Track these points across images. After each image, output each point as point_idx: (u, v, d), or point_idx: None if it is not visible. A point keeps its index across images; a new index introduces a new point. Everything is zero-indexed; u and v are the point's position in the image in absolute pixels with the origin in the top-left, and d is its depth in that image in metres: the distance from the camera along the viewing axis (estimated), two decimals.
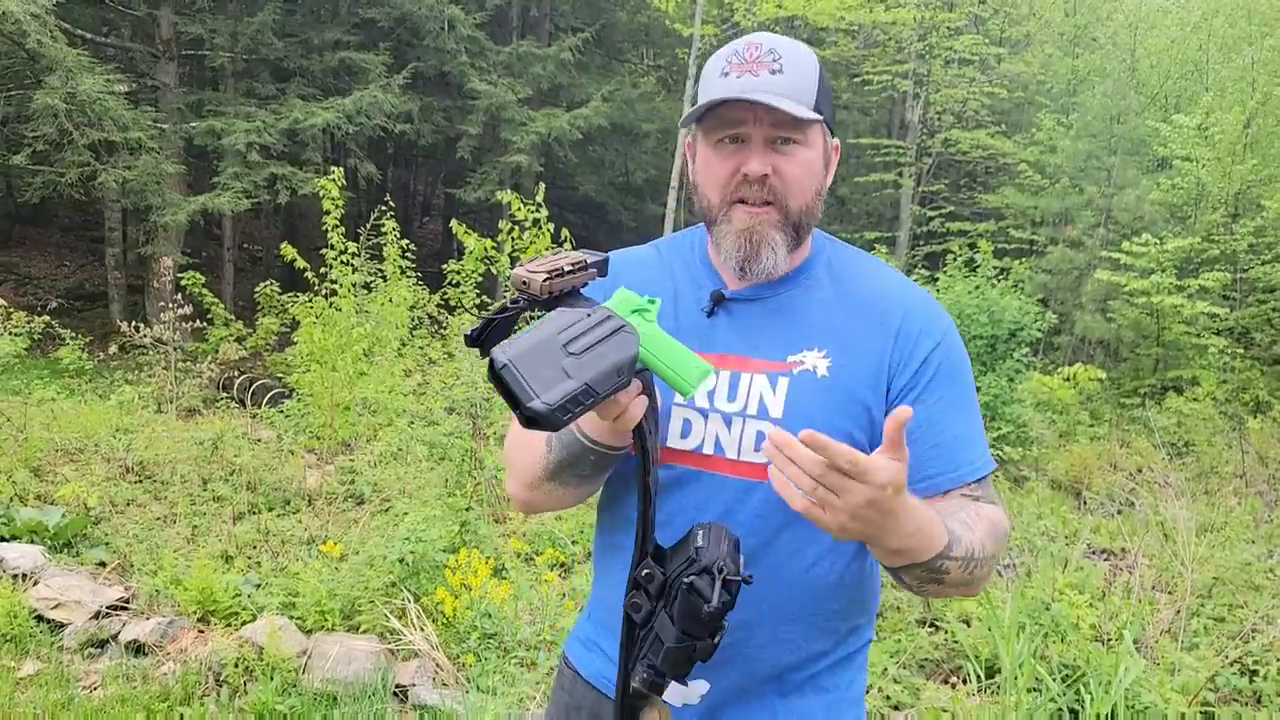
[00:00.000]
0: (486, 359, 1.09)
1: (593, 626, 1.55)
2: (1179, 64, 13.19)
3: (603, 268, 1.24)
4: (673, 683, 1.18)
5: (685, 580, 1.14)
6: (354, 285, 7.89)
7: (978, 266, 9.31)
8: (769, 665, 1.40)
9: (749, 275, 1.39)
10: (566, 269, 1.17)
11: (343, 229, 8.01)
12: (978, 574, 1.27)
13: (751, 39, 1.34)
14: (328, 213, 7.93)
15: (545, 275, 1.15)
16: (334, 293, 7.77)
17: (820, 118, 1.32)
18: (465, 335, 1.19)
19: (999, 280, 9.00)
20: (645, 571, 1.20)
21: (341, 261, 7.86)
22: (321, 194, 8.02)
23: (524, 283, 1.16)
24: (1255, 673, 3.99)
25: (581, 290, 1.20)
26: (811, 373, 1.36)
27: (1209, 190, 10.35)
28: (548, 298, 1.16)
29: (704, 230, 1.49)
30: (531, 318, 1.22)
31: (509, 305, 1.19)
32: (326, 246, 7.97)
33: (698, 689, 1.22)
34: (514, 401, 1.05)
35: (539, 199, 7.10)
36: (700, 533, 1.19)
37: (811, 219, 1.40)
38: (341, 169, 8.50)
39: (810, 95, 1.32)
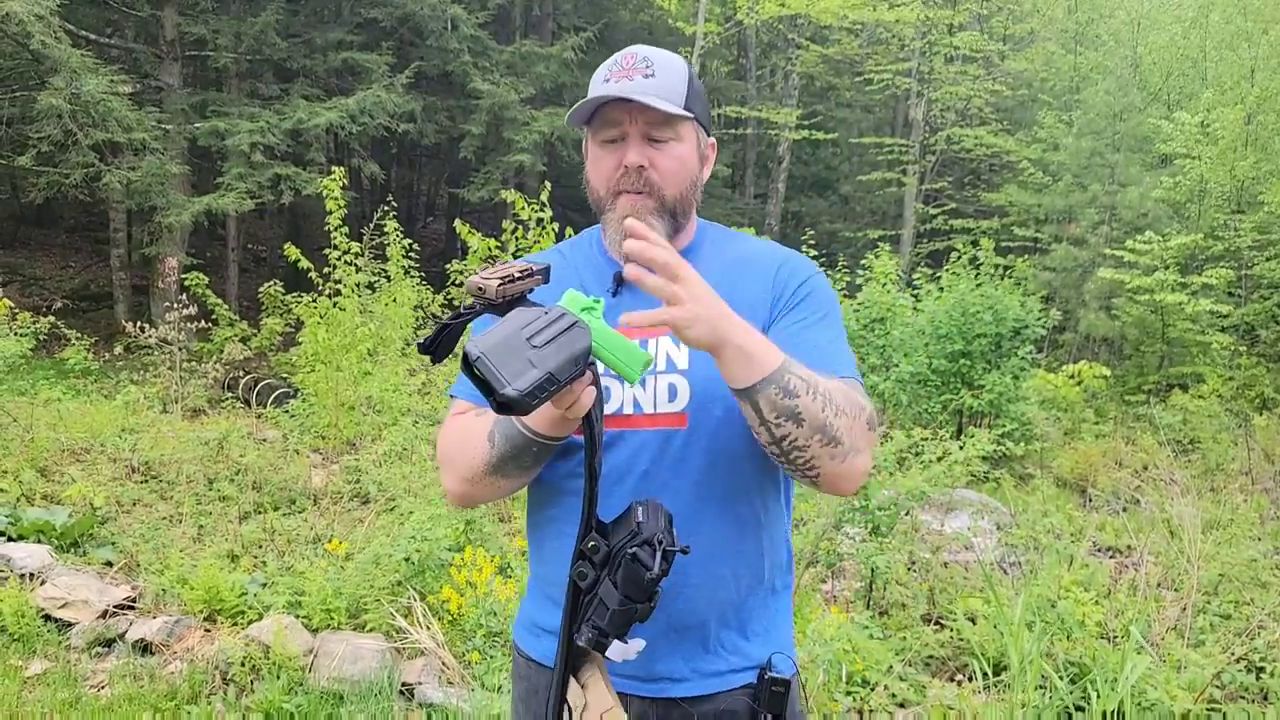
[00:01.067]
0: (436, 366, 1.19)
1: (535, 607, 1.66)
2: (1179, 61, 13.15)
3: (546, 275, 1.37)
4: (615, 641, 1.32)
5: (629, 551, 1.28)
6: (358, 285, 7.91)
7: (980, 264, 9.29)
8: (705, 603, 1.52)
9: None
10: (517, 275, 1.30)
11: (346, 229, 8.03)
12: (833, 421, 1.35)
13: (629, 50, 1.54)
14: (330, 213, 7.95)
15: (499, 281, 1.27)
16: (338, 293, 7.78)
17: (690, 115, 1.51)
18: (418, 344, 1.32)
19: (1001, 278, 8.97)
20: (591, 544, 1.32)
21: (345, 262, 7.88)
22: (325, 194, 8.04)
23: (479, 289, 1.28)
24: (1261, 669, 3.99)
25: (529, 295, 1.33)
26: None
27: (1211, 187, 10.33)
28: (501, 301, 1.28)
29: (599, 228, 1.67)
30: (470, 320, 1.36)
31: (461, 312, 1.32)
32: (330, 246, 7.98)
33: (636, 646, 1.34)
34: (487, 389, 1.17)
35: (543, 198, 7.10)
36: (640, 509, 1.34)
37: (688, 206, 1.58)
38: (345, 169, 8.50)
39: (680, 96, 1.50)
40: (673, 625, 1.50)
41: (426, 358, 1.33)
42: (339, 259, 7.84)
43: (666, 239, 1.49)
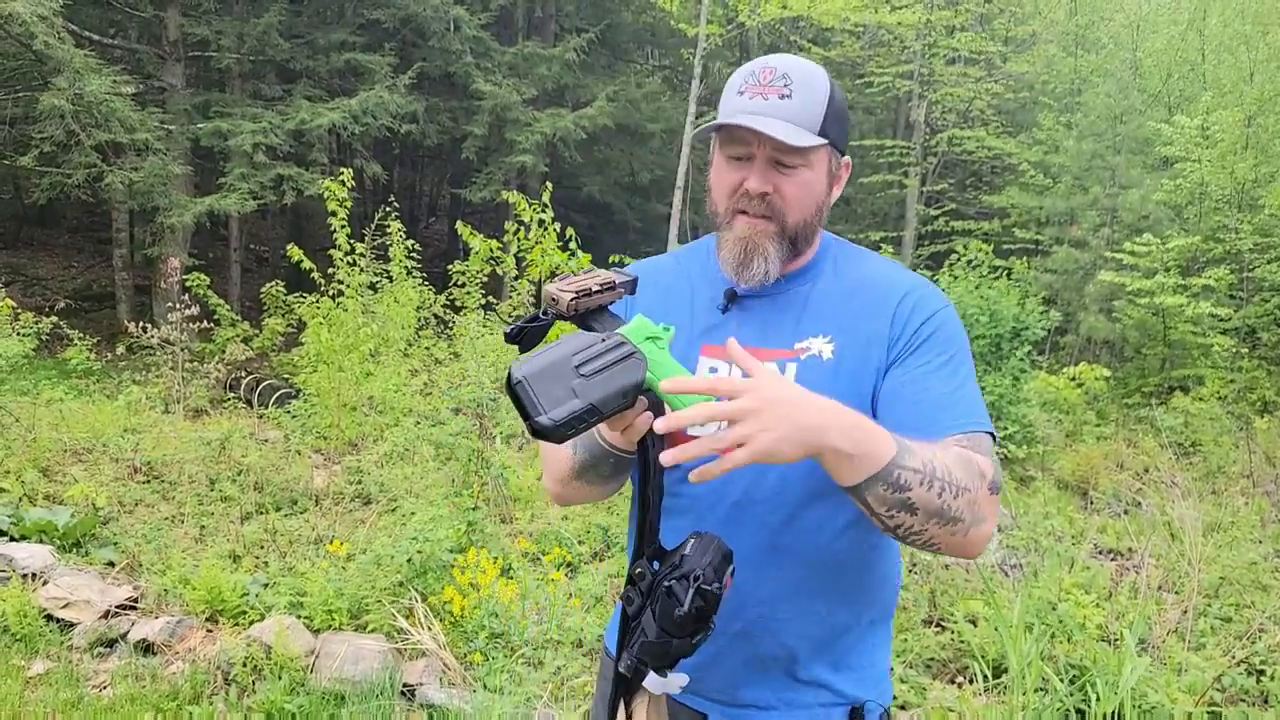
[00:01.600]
0: (523, 354, 1.20)
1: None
2: (1179, 64, 13.13)
3: (631, 287, 1.35)
4: (651, 673, 1.29)
5: (666, 584, 1.25)
6: (360, 285, 7.92)
7: (977, 266, 9.27)
8: (795, 638, 1.47)
9: (740, 280, 1.49)
10: (594, 289, 1.28)
11: (348, 229, 8.04)
12: (950, 503, 1.27)
13: (768, 62, 1.44)
14: (333, 214, 7.96)
15: (573, 295, 1.26)
16: (340, 293, 7.79)
17: (822, 142, 1.41)
18: (505, 332, 1.30)
19: (997, 279, 8.95)
20: (638, 570, 1.30)
21: (348, 262, 7.89)
22: (326, 195, 8.05)
23: (553, 300, 1.26)
24: (1262, 673, 3.99)
25: (609, 308, 1.31)
26: (817, 357, 1.45)
27: (1211, 190, 10.33)
28: (574, 315, 1.27)
29: (715, 236, 1.59)
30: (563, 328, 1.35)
31: (541, 315, 1.29)
32: (333, 247, 8.00)
33: (677, 681, 1.31)
34: (524, 414, 1.15)
35: (545, 199, 7.10)
36: (692, 541, 1.29)
37: (810, 233, 1.49)
38: (349, 169, 8.52)
39: (817, 119, 1.41)
40: (759, 655, 1.47)
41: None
42: (342, 259, 7.86)
43: (778, 264, 1.47)
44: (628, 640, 1.30)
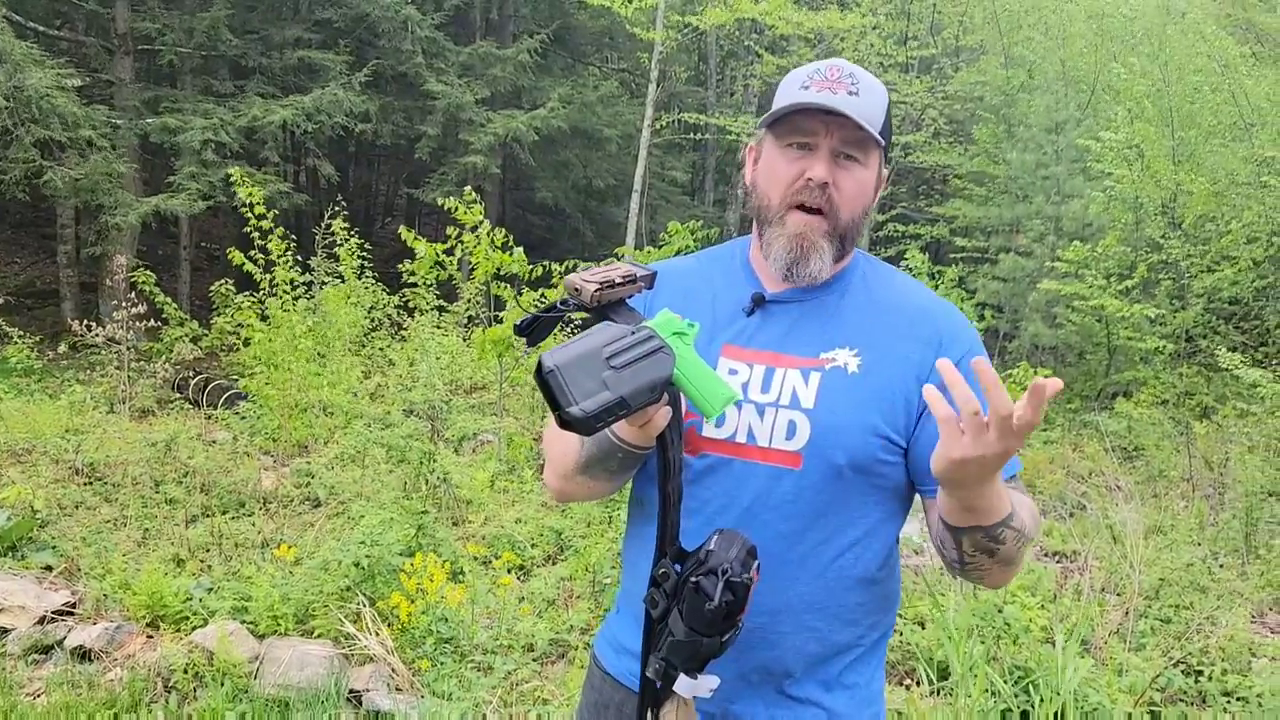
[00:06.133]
0: (532, 356, 1.20)
1: (619, 623, 1.62)
2: (1102, 75, 13.22)
3: (650, 281, 1.35)
4: (682, 675, 1.27)
5: (693, 580, 1.24)
6: (293, 284, 7.92)
7: (917, 274, 9.35)
8: (792, 653, 1.46)
9: (794, 278, 1.47)
10: (618, 281, 1.28)
11: (281, 228, 8.08)
12: (1020, 554, 1.35)
13: (834, 61, 1.46)
14: (263, 217, 7.98)
15: (597, 286, 1.26)
16: (272, 293, 7.80)
17: (883, 143, 1.44)
18: (515, 325, 1.31)
19: (938, 286, 9.03)
20: (662, 570, 1.29)
21: (285, 265, 7.88)
22: (247, 199, 8.06)
23: (576, 290, 1.26)
24: (1200, 673, 4.08)
25: (627, 301, 1.31)
26: (842, 369, 1.45)
27: (1144, 201, 10.54)
28: (595, 306, 1.27)
29: (746, 240, 1.60)
30: (575, 320, 1.36)
31: (558, 305, 1.30)
32: (260, 250, 8.03)
33: (708, 683, 1.29)
34: (554, 404, 1.14)
35: (468, 197, 7.11)
36: (715, 537, 1.29)
37: (856, 235, 1.49)
38: (299, 169, 8.48)
39: (878, 122, 1.42)
40: (756, 669, 1.45)
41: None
42: (280, 257, 7.87)
43: (831, 263, 1.47)
44: (653, 644, 1.29)
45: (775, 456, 1.42)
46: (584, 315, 1.31)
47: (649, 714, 1.33)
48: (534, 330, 1.30)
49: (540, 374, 1.14)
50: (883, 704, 1.57)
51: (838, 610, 1.46)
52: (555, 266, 7.25)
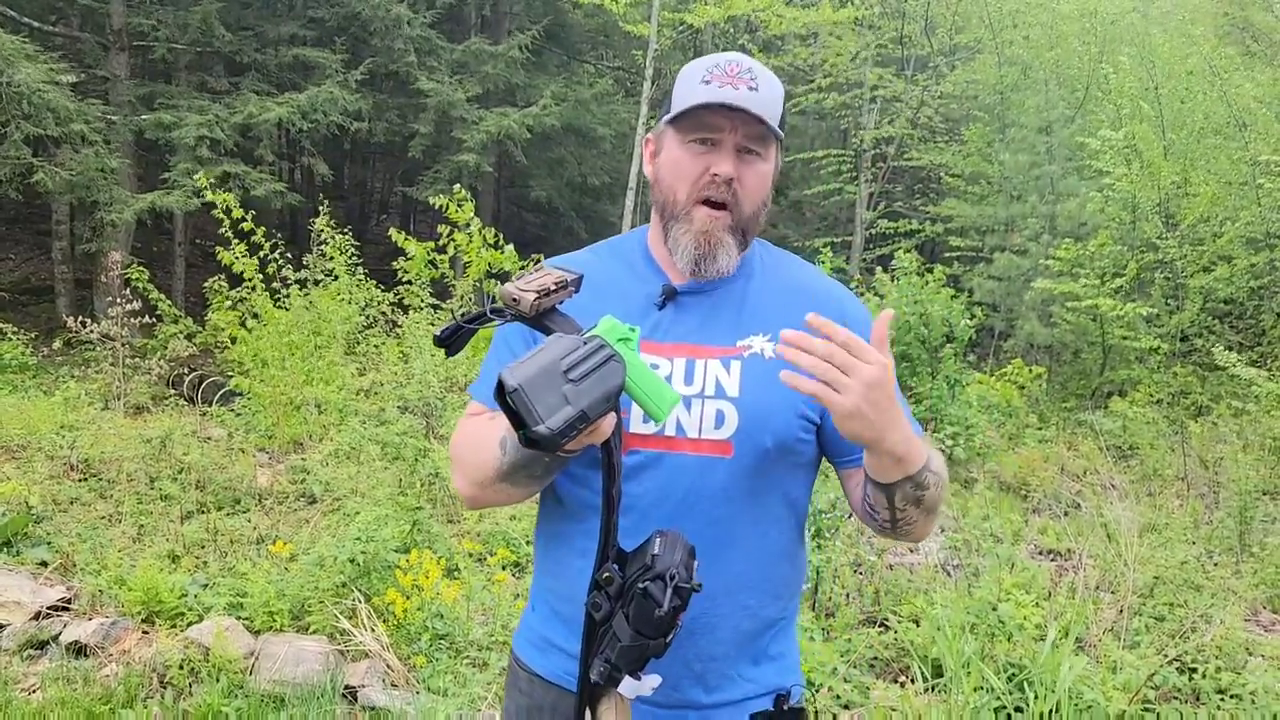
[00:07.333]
0: (449, 358, 1.19)
1: (540, 621, 1.59)
2: (1094, 74, 13.21)
3: (579, 285, 1.34)
4: (626, 677, 1.27)
5: (640, 585, 1.23)
6: (292, 282, 7.92)
7: (907, 273, 9.30)
8: (730, 632, 1.49)
9: (702, 273, 1.49)
10: (552, 288, 1.28)
11: (264, 229, 8.13)
12: (940, 500, 1.41)
13: (730, 56, 1.47)
14: (241, 220, 8.02)
15: (535, 294, 1.25)
16: (258, 290, 7.83)
17: (780, 136, 1.47)
18: (435, 335, 1.30)
19: (926, 285, 9.01)
20: (605, 575, 1.28)
21: (276, 265, 7.91)
22: (222, 206, 8.09)
23: (514, 300, 1.26)
24: (1194, 670, 4.09)
25: (558, 307, 1.31)
26: (760, 355, 1.48)
27: (1140, 201, 10.54)
28: (534, 315, 1.26)
29: (642, 231, 1.61)
30: (493, 326, 1.34)
31: (486, 314, 1.29)
32: (277, 245, 8.02)
33: (650, 682, 1.30)
34: (519, 423, 1.13)
35: (459, 198, 7.12)
36: (658, 540, 1.28)
37: (755, 228, 1.52)
38: (295, 166, 8.52)
39: (776, 116, 1.45)
40: (697, 654, 1.47)
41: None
42: (271, 256, 7.91)
43: (736, 256, 1.50)
44: (596, 647, 1.29)
45: (706, 447, 1.45)
46: (497, 322, 1.32)
47: (586, 713, 1.34)
48: (454, 340, 1.29)
49: (501, 393, 1.13)
50: (801, 676, 1.62)
51: (768, 585, 1.52)
52: (535, 258, 7.28)
